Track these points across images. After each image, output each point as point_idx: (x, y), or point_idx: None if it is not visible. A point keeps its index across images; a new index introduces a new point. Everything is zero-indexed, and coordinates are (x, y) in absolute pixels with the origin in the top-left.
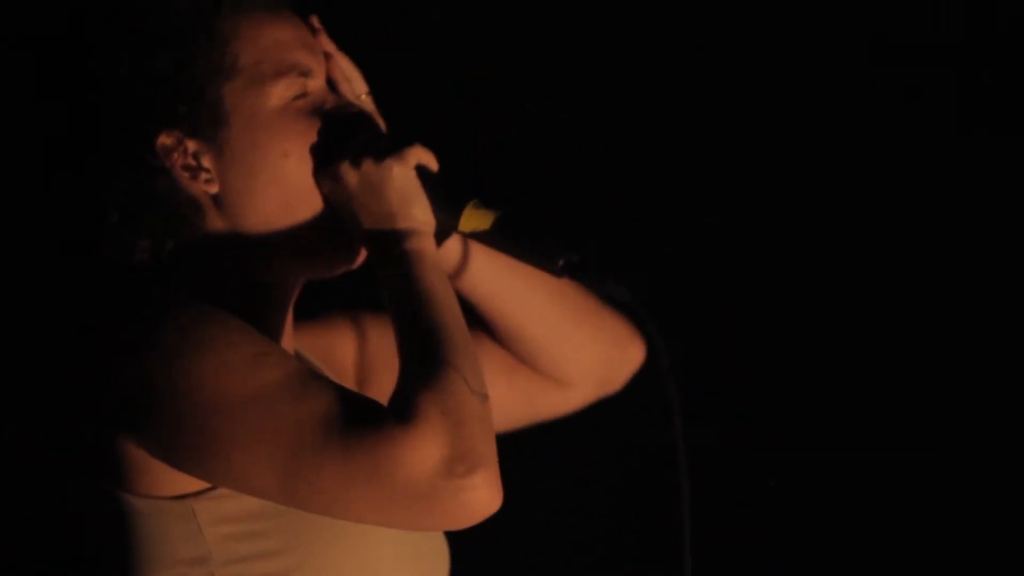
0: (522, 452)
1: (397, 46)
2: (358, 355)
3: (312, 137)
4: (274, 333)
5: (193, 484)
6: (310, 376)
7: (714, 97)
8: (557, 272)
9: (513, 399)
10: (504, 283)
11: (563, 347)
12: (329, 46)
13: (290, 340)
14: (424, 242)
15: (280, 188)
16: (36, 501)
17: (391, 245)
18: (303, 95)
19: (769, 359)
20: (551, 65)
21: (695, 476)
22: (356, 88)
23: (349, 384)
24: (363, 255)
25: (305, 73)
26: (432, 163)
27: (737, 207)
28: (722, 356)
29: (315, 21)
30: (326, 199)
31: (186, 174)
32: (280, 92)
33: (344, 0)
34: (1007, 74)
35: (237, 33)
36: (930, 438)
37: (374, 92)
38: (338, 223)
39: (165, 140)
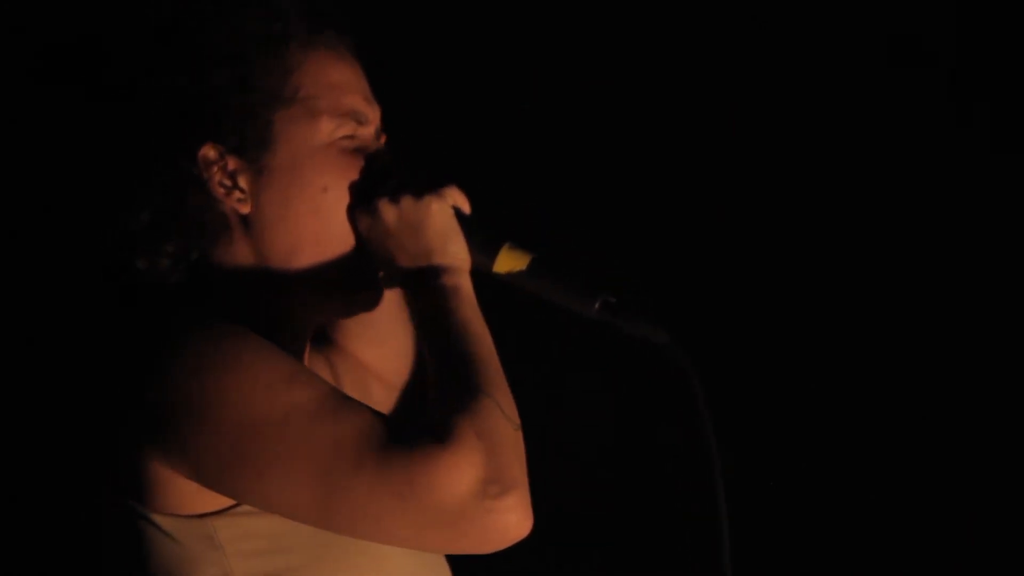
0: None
1: (427, 84)
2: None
3: (352, 177)
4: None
5: (214, 503)
6: (342, 396)
7: (750, 136)
8: (593, 314)
9: None
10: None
11: None
12: None
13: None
14: (460, 278)
15: (313, 221)
16: (62, 515)
17: (428, 281)
18: (351, 138)
19: (789, 383)
20: (583, 103)
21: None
22: None
23: None
24: (382, 298)
25: (358, 120)
26: (465, 205)
27: (774, 242)
28: (749, 388)
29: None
30: (360, 236)
31: (221, 190)
32: (330, 129)
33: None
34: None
35: (302, 65)
36: (930, 438)
37: (404, 132)
38: (363, 264)
39: (208, 152)
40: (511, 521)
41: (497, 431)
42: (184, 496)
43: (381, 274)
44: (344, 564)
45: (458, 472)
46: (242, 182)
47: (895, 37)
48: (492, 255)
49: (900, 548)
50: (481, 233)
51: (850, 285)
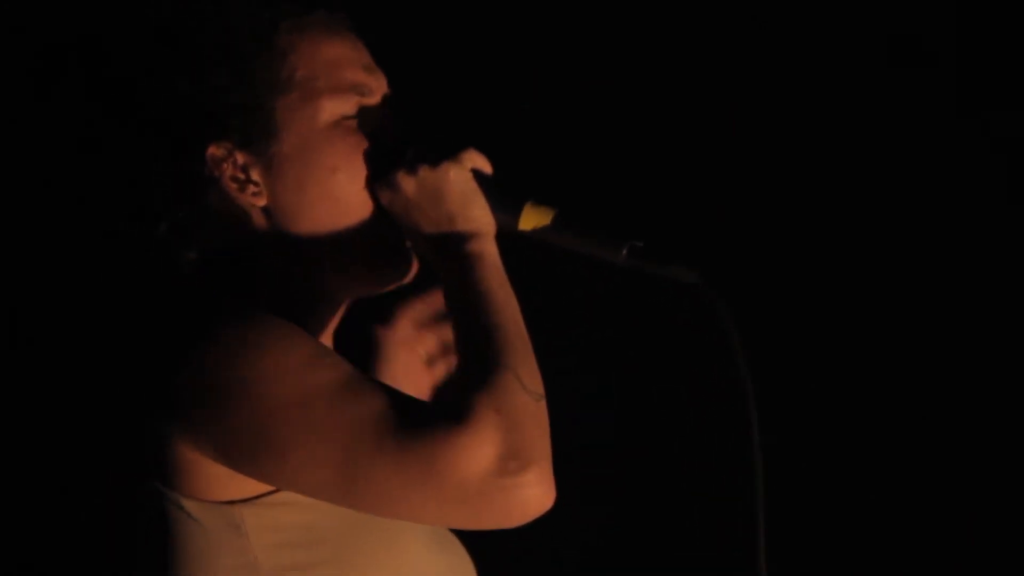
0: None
1: (437, 50)
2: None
3: (362, 153)
4: (325, 342)
5: (242, 490)
6: (364, 378)
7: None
8: (622, 261)
9: None
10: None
11: None
12: None
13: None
14: (485, 244)
15: (329, 203)
16: (92, 497)
17: (452, 248)
18: (356, 113)
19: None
20: (592, 58)
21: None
22: None
23: None
24: (414, 270)
25: (361, 92)
26: (486, 167)
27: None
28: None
29: None
30: (383, 211)
31: (234, 185)
32: (333, 108)
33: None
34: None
35: (295, 49)
36: (934, 439)
37: (416, 96)
38: (387, 238)
39: (215, 151)
40: (532, 496)
41: (516, 406)
42: (212, 481)
43: (409, 244)
44: (370, 559)
45: (476, 450)
46: (254, 175)
47: (895, 37)
48: (516, 214)
49: (901, 543)
50: (503, 193)
51: (855, 275)
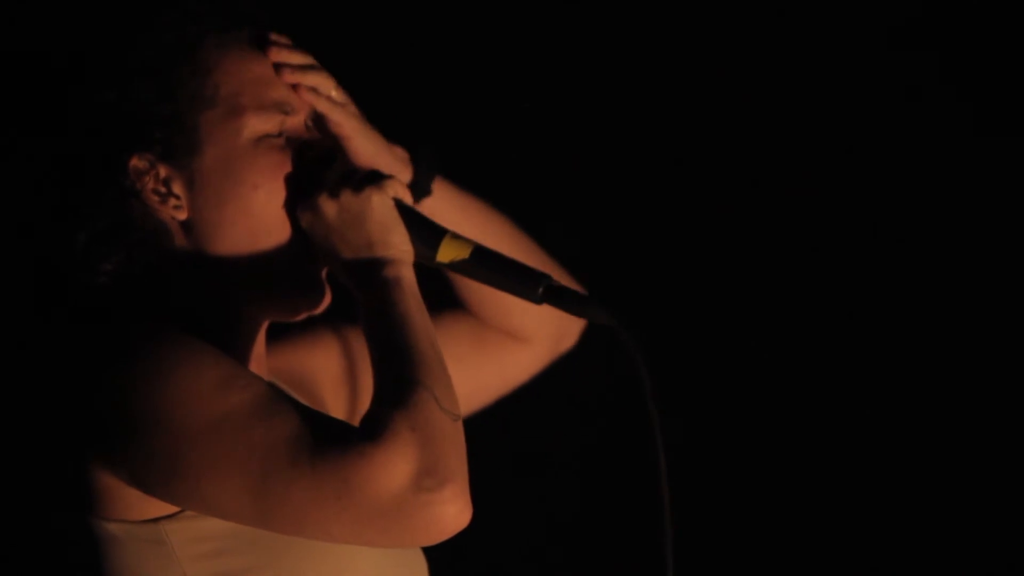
0: (499, 463)
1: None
2: (343, 359)
3: (284, 172)
4: (242, 361)
5: (165, 507)
6: (278, 398)
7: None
8: (537, 299)
9: (484, 362)
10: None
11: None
12: (295, 58)
13: (261, 369)
14: (402, 269)
15: (248, 221)
16: (10, 527)
17: (370, 273)
18: (280, 131)
19: (741, 370)
20: (525, 83)
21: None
22: (323, 89)
23: (339, 391)
24: (327, 300)
25: (285, 111)
26: (407, 197)
27: (719, 213)
28: (698, 369)
29: (280, 45)
30: (302, 236)
31: (156, 198)
32: (256, 125)
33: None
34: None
35: (220, 65)
36: (918, 438)
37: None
38: (303, 265)
39: (137, 162)
40: (449, 513)
41: (432, 423)
42: (133, 501)
43: (325, 272)
44: (305, 561)
45: (392, 467)
46: (176, 188)
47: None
48: (435, 245)
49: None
50: (423, 224)
51: (807, 271)
